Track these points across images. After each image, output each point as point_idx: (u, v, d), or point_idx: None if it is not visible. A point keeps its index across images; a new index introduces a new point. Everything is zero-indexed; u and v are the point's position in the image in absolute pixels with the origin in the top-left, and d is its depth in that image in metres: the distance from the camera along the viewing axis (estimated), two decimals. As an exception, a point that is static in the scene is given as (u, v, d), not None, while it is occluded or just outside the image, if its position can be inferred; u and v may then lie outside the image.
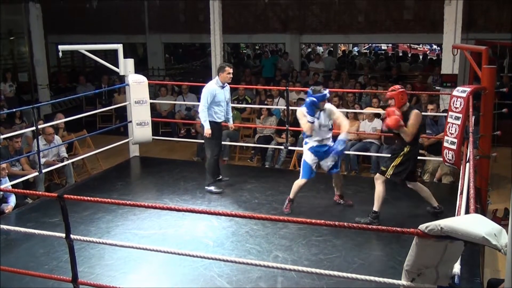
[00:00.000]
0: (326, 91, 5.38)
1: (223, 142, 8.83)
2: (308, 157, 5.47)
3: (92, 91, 12.00)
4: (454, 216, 3.72)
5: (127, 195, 6.20)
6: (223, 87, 6.20)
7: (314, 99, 5.27)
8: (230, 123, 6.52)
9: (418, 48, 22.49)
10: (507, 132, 7.22)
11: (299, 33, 15.26)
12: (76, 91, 12.87)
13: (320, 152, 5.45)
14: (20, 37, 13.97)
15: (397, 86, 5.27)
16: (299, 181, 5.54)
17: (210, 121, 6.12)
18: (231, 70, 6.17)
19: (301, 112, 5.41)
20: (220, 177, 6.52)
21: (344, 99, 10.00)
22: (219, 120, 6.25)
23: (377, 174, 5.34)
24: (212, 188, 6.25)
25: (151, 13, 15.98)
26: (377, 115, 8.20)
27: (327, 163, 5.49)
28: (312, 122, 5.33)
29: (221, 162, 7.56)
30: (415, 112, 5.13)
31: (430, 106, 7.61)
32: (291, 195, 5.58)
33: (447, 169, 6.92)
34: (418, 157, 7.36)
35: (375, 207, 5.23)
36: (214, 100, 6.12)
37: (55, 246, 4.63)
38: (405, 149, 5.17)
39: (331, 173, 5.59)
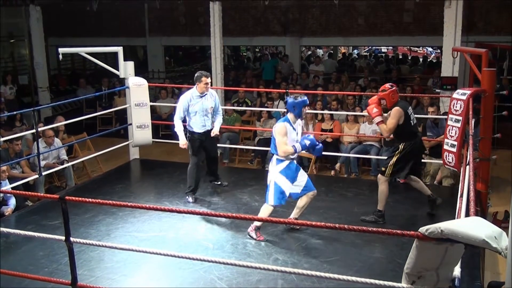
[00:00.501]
0: (305, 97, 4.90)
1: (223, 145, 8.89)
2: (280, 180, 4.81)
3: (92, 93, 11.98)
4: (454, 218, 3.72)
5: (127, 197, 6.20)
6: (201, 96, 5.96)
7: (303, 100, 4.80)
8: (215, 129, 6.08)
9: (418, 51, 22.51)
10: (507, 135, 7.23)
11: (299, 35, 15.28)
12: (76, 94, 12.89)
13: (293, 169, 4.87)
14: (21, 39, 13.97)
15: (387, 86, 5.24)
16: (268, 208, 4.85)
17: (189, 131, 5.97)
18: (208, 80, 5.95)
19: (283, 129, 4.76)
20: (220, 182, 6.44)
21: (344, 101, 10.01)
22: (198, 131, 5.96)
23: (379, 174, 5.37)
24: (187, 197, 6.00)
25: (151, 16, 16.00)
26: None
27: (298, 184, 4.88)
28: (295, 151, 4.76)
29: (220, 165, 7.54)
30: (395, 108, 5.15)
31: (430, 109, 7.63)
32: (258, 224, 4.90)
33: (447, 171, 6.92)
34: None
35: (379, 206, 5.27)
36: (190, 110, 5.93)
37: (55, 248, 4.62)
38: (400, 147, 5.25)
39: (302, 194, 4.93)
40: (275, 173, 4.83)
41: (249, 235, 4.91)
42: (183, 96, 6.01)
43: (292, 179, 4.85)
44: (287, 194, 4.85)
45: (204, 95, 5.99)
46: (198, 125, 5.97)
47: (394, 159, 5.24)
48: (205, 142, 6.07)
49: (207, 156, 6.28)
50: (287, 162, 4.82)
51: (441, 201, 5.47)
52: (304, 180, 4.91)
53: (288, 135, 4.77)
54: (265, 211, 4.85)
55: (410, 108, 5.35)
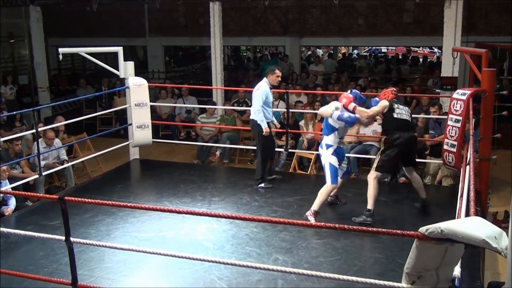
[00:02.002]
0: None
1: (223, 145, 8.91)
2: (333, 160, 5.31)
3: (92, 93, 11.98)
4: (455, 218, 3.72)
5: (127, 197, 6.20)
6: (271, 88, 6.33)
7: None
8: (275, 121, 6.64)
9: (418, 51, 22.51)
10: (507, 135, 7.23)
11: (299, 36, 15.29)
12: (76, 94, 12.89)
13: (340, 154, 5.41)
14: (21, 40, 13.99)
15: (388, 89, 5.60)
16: (328, 187, 5.30)
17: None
18: (280, 73, 6.34)
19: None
20: (274, 176, 6.63)
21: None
22: (268, 121, 6.34)
23: (369, 173, 5.39)
24: (262, 185, 6.37)
25: (151, 16, 16.01)
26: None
27: (344, 165, 5.49)
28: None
29: (220, 165, 7.51)
30: (382, 100, 5.39)
31: (432, 108, 7.57)
32: (317, 207, 5.27)
33: (447, 171, 6.92)
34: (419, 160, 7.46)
35: (369, 205, 5.20)
36: (266, 101, 6.25)
37: (55, 249, 4.62)
38: (383, 140, 5.40)
39: (343, 177, 5.54)
40: (327, 156, 5.30)
41: (307, 219, 5.17)
42: (261, 88, 6.27)
43: (340, 160, 5.38)
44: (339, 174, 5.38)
45: (271, 88, 6.33)
46: (269, 116, 6.35)
47: (379, 153, 5.35)
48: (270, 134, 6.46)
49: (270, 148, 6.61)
50: (335, 146, 5.30)
51: (429, 208, 5.50)
52: (345, 167, 5.52)
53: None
54: (325, 191, 5.27)
55: (400, 105, 5.42)
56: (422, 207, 5.54)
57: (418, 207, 5.58)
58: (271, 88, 6.31)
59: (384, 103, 5.35)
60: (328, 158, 5.30)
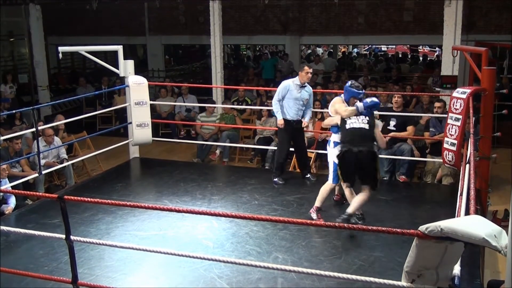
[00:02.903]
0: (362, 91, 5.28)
1: (223, 144, 8.90)
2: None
3: (92, 92, 12.01)
4: (454, 217, 3.72)
5: (127, 196, 6.20)
6: (301, 86, 6.30)
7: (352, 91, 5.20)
8: (305, 120, 6.49)
9: (419, 50, 22.50)
10: (507, 134, 7.23)
11: (299, 34, 15.28)
12: (76, 93, 12.88)
13: None
14: (20, 38, 13.98)
15: None
16: (328, 186, 5.30)
17: (283, 117, 6.34)
18: (310, 70, 6.29)
19: (339, 99, 5.26)
20: (308, 175, 6.65)
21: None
22: (289, 118, 6.34)
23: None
24: (276, 179, 6.48)
25: (151, 15, 16.00)
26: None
27: None
28: (357, 109, 4.94)
29: (220, 164, 7.48)
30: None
31: (437, 104, 7.46)
32: (319, 203, 5.28)
33: (447, 170, 6.92)
34: (418, 158, 7.46)
35: (350, 210, 4.88)
36: (287, 97, 6.28)
37: (55, 247, 4.62)
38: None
39: None
40: (333, 154, 5.17)
41: (310, 215, 5.24)
42: (283, 83, 6.40)
43: None
44: None
45: (305, 86, 6.34)
46: (291, 113, 6.33)
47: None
48: (295, 131, 6.45)
49: (295, 145, 6.62)
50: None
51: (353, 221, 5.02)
52: None
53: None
54: (325, 189, 5.26)
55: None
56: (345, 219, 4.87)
57: (352, 220, 4.97)
58: (303, 86, 6.30)
59: (334, 100, 5.30)
60: (333, 156, 5.19)
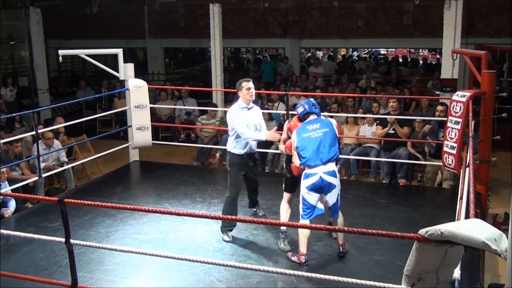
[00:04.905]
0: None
1: (222, 147, 8.86)
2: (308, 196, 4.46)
3: (92, 95, 12.01)
4: (454, 220, 3.72)
5: (127, 199, 6.19)
6: (248, 108, 5.09)
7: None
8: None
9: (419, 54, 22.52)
10: (507, 137, 7.23)
11: (299, 37, 15.31)
12: (76, 96, 12.90)
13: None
14: (21, 42, 14.00)
15: None
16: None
17: (233, 153, 5.11)
18: (250, 85, 5.02)
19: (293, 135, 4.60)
20: (255, 208, 5.71)
21: (344, 103, 10.02)
22: (242, 151, 5.09)
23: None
24: (223, 235, 5.04)
25: (151, 18, 16.03)
26: (376, 120, 8.20)
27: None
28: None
29: (220, 167, 7.44)
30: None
31: (440, 108, 7.42)
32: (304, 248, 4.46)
33: (447, 173, 6.92)
34: (416, 162, 7.47)
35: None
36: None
37: (55, 250, 4.63)
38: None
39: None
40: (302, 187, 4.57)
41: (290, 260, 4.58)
42: (232, 110, 5.11)
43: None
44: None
45: (251, 107, 5.14)
46: (241, 144, 5.06)
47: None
48: (248, 167, 5.21)
49: (247, 180, 5.35)
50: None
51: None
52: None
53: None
54: (300, 230, 4.52)
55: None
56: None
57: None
58: (250, 108, 5.15)
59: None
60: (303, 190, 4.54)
